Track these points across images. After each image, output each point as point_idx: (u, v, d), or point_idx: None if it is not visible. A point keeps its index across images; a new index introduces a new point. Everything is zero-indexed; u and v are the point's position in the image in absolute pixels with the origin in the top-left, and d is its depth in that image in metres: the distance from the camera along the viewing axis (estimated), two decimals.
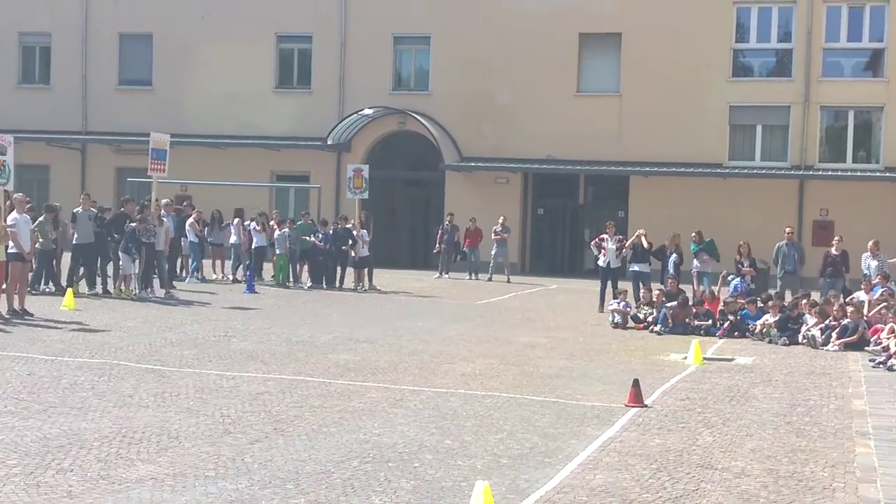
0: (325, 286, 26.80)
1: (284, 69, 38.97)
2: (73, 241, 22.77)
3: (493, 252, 31.88)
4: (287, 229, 26.86)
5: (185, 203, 29.41)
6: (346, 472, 8.39)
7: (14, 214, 18.64)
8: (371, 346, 16.00)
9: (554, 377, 13.67)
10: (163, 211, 24.85)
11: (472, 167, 36.30)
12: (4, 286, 18.00)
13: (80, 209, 22.93)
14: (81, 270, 22.83)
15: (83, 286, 22.41)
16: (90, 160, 39.91)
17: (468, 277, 31.63)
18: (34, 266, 21.10)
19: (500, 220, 32.24)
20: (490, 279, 31.24)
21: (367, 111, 36.77)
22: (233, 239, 28.04)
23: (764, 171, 34.42)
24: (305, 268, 27.62)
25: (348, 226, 27.47)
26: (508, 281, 30.83)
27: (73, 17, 39.64)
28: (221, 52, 37.98)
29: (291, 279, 27.09)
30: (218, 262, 28.47)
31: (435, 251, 33.26)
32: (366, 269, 27.05)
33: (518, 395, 12.20)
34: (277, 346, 15.54)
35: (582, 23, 35.51)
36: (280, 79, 38.84)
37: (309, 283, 26.97)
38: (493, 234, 31.95)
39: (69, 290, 20.33)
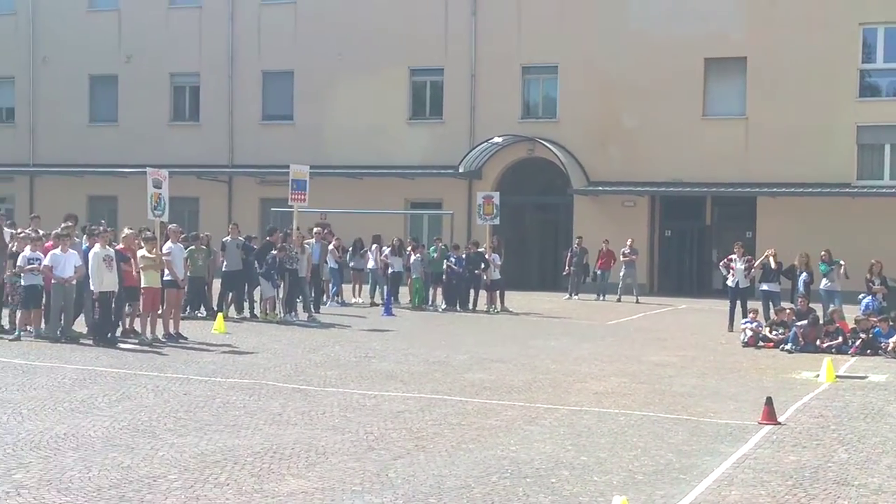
0: (458, 308, 26.95)
1: (417, 101, 39.42)
2: (223, 269, 23.44)
3: (621, 273, 31.66)
4: (420, 255, 27.20)
5: (325, 231, 29.92)
6: (485, 487, 8.43)
7: (169, 244, 19.30)
8: (505, 365, 16.02)
9: (686, 395, 13.47)
10: (313, 239, 25.49)
11: (599, 191, 36.09)
12: (161, 311, 18.61)
13: (228, 238, 23.60)
14: (230, 296, 23.45)
15: (232, 311, 23.03)
16: (236, 192, 41.01)
17: (596, 298, 31.45)
18: (187, 292, 21.73)
19: (628, 242, 32.01)
20: (619, 300, 30.99)
21: (497, 139, 36.89)
22: (370, 264, 28.43)
23: (893, 191, 33.34)
24: (440, 291, 27.84)
25: (480, 250, 27.59)
26: (637, 301, 30.53)
27: (220, 57, 40.85)
28: (357, 87, 38.63)
29: (427, 302, 27.33)
30: (357, 287, 28.92)
31: (564, 273, 33.14)
32: (498, 292, 27.11)
33: (651, 412, 12.07)
34: (415, 366, 15.68)
35: (707, 48, 35.01)
36: (413, 110, 39.29)
37: (443, 306, 27.16)
38: (621, 256, 31.77)
39: (219, 315, 20.89)
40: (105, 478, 8.34)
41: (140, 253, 18.16)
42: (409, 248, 28.05)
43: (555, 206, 39.22)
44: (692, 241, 37.82)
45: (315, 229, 26.79)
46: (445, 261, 27.31)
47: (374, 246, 28.58)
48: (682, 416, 11.85)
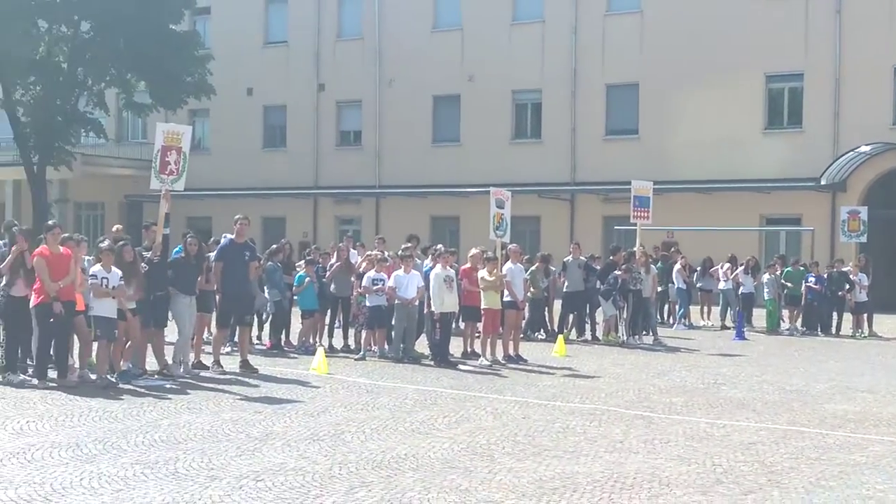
0: (819, 333, 25.82)
1: (773, 109, 38.30)
2: (564, 289, 23.68)
3: None
4: (773, 274, 26.40)
5: (672, 249, 29.70)
6: None
7: (508, 264, 19.74)
8: (872, 396, 15.15)
9: None
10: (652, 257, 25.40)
11: None
12: (500, 333, 19.07)
13: (570, 258, 23.83)
14: (571, 317, 23.66)
15: (573, 333, 23.24)
16: (578, 210, 41.38)
17: None
18: (527, 314, 22.15)
19: None
20: None
21: (864, 148, 35.12)
22: (721, 285, 27.83)
23: None
24: (796, 313, 26.79)
25: (845, 269, 26.34)
26: None
27: (563, 72, 41.46)
28: (707, 97, 38.04)
29: (782, 325, 26.41)
30: (706, 308, 28.43)
31: None
32: (865, 315, 25.78)
33: None
34: (769, 394, 15.14)
35: None
36: (769, 119, 38.20)
37: (802, 330, 26.11)
38: None
39: (560, 337, 21.14)
40: (443, 500, 8.59)
41: (480, 274, 18.69)
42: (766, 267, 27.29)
43: None
44: None
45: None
46: (804, 281, 26.30)
47: (727, 265, 27.92)
48: None
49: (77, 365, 15.05)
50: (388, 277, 18.64)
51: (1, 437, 10.70)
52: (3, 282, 14.78)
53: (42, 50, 40.15)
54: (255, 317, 19.30)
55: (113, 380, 14.59)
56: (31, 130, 41.04)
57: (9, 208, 47.29)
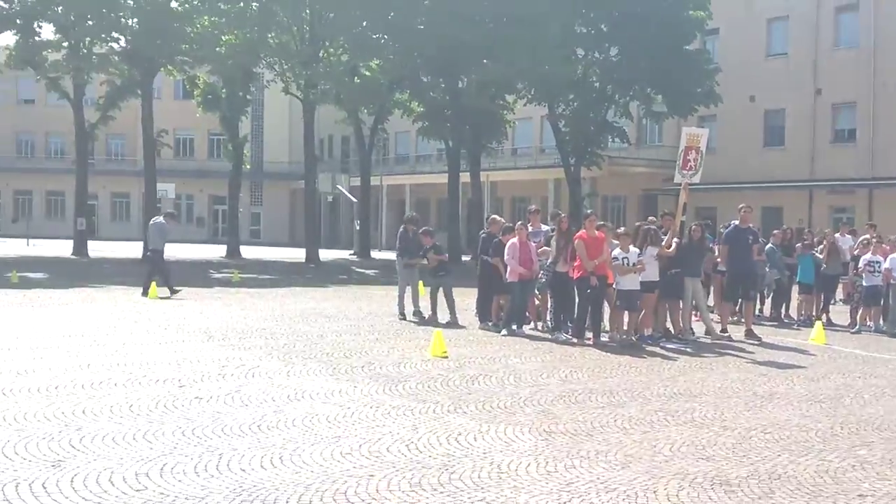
0: None
1: None
2: None
3: None
4: None
5: None
6: None
7: None
8: None
9: None
10: None
11: None
12: None
13: None
14: None
15: None
16: None
17: None
18: None
19: None
20: None
21: None
22: None
23: None
24: None
25: None
26: None
27: None
28: None
29: None
30: None
31: None
32: None
33: None
34: None
35: None
36: None
37: None
38: None
39: None
40: None
41: None
42: None
43: None
44: None
45: None
46: None
47: None
48: None
49: (608, 328, 15.45)
50: (884, 260, 17.30)
51: (550, 382, 11.22)
52: (550, 259, 15.56)
53: (579, 72, 41.58)
54: (758, 292, 18.75)
55: (636, 341, 14.82)
56: (570, 138, 42.78)
57: (550, 201, 49.79)
